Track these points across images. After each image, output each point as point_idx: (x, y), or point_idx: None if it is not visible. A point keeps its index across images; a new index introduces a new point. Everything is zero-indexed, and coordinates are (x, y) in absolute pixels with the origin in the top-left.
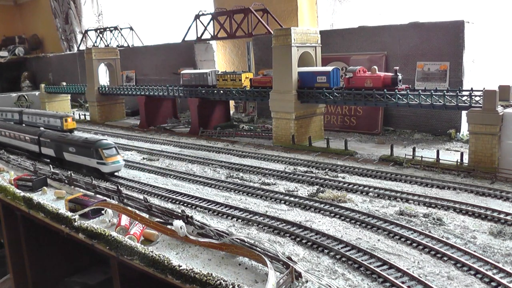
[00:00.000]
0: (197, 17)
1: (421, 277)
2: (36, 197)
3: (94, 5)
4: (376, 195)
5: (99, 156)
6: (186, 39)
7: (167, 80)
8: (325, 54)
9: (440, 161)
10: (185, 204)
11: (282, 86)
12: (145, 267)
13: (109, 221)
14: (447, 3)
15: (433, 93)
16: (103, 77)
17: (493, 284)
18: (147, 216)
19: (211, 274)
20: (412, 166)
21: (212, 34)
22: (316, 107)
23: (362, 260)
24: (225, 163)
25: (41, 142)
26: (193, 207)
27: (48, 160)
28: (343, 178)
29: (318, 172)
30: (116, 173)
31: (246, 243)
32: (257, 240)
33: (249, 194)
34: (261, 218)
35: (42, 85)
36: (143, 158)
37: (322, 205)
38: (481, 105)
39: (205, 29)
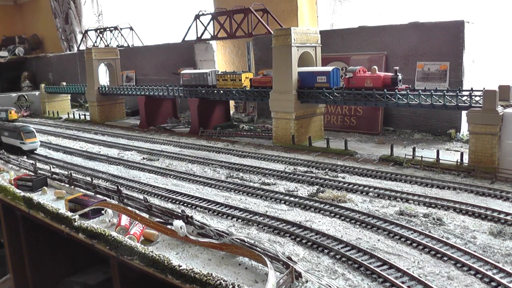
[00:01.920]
0: (197, 17)
1: (421, 277)
2: (36, 197)
3: (94, 5)
4: (376, 195)
5: (21, 137)
6: (186, 39)
7: (167, 80)
8: (325, 54)
9: (440, 161)
10: (185, 204)
11: (282, 86)
12: (145, 267)
13: (109, 221)
14: (447, 3)
15: (433, 93)
16: (103, 77)
17: (493, 284)
18: (147, 216)
19: (211, 274)
20: (412, 166)
21: (212, 34)
22: (316, 107)
23: (362, 260)
24: (225, 163)
25: None
26: (193, 207)
27: None
28: (343, 178)
29: (318, 172)
30: (35, 151)
31: (246, 243)
32: (257, 240)
33: (249, 194)
34: (261, 218)
35: (42, 85)
36: (143, 158)
37: (322, 205)
38: (481, 105)
39: (205, 29)
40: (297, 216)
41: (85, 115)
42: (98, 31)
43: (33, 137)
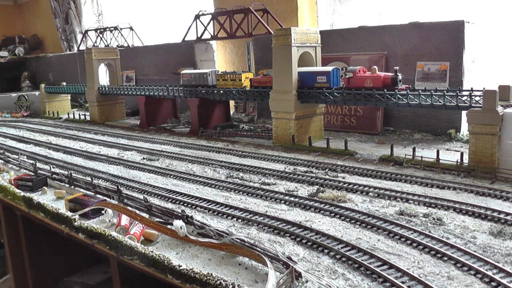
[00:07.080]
0: (197, 17)
1: (421, 277)
2: (36, 197)
3: (94, 5)
4: (376, 195)
5: None
6: (186, 39)
7: (167, 80)
8: (325, 54)
9: (440, 161)
10: (185, 204)
11: (282, 86)
12: (145, 267)
13: (109, 221)
14: (447, 3)
15: (433, 93)
16: (103, 77)
17: (493, 284)
18: (147, 216)
19: (211, 274)
20: (412, 166)
21: (212, 34)
22: (316, 107)
23: (362, 260)
24: (225, 163)
25: None
26: (193, 207)
27: None
28: (343, 178)
29: (318, 172)
30: None
31: (246, 243)
32: (257, 240)
33: (249, 194)
34: (261, 218)
35: (42, 85)
36: (143, 158)
37: (322, 205)
38: (481, 105)
39: (205, 29)
40: (297, 216)
41: (85, 115)
42: (98, 31)
43: None
